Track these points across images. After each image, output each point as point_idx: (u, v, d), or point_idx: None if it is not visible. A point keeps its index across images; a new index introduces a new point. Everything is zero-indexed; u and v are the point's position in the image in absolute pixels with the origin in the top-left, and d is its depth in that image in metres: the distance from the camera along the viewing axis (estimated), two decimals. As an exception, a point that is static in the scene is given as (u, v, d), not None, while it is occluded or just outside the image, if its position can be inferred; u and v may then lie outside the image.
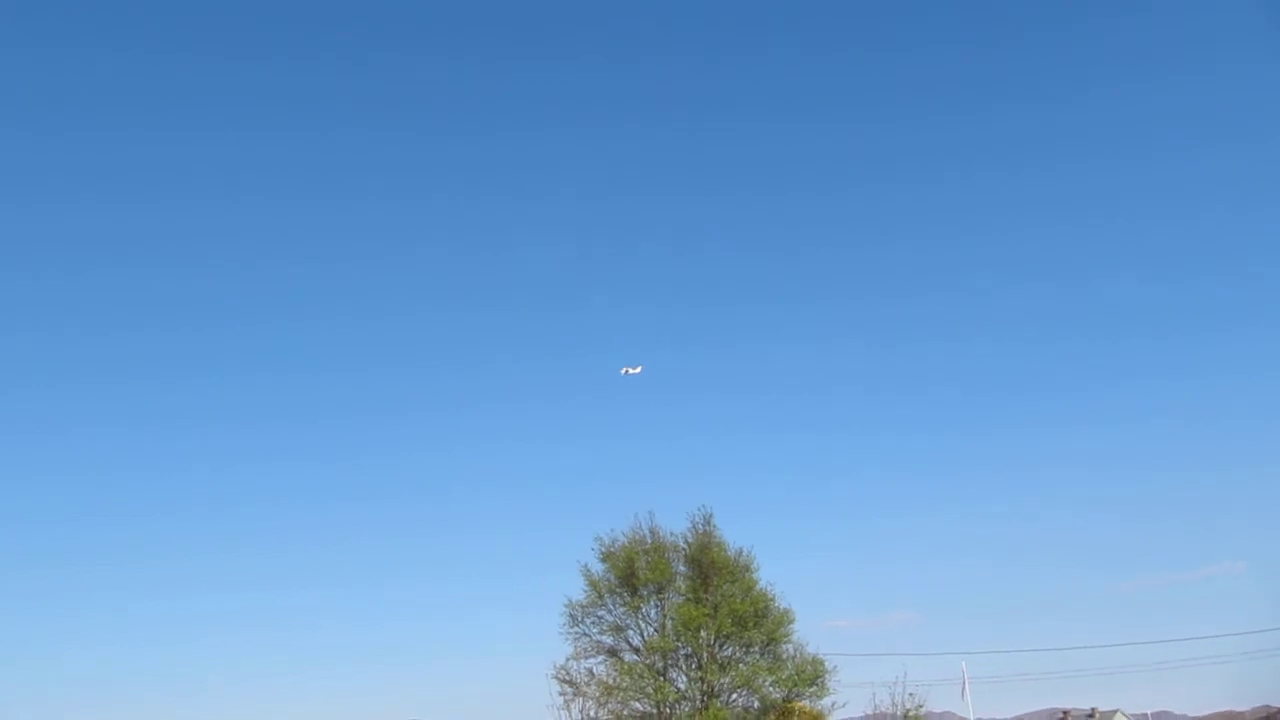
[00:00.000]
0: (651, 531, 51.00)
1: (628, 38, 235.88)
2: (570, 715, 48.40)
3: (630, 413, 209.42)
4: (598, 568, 50.51)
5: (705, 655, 48.88)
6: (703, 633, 48.76)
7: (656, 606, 49.96)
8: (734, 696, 49.44)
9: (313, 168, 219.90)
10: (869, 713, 53.07)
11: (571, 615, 49.57)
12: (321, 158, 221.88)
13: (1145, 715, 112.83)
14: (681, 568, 50.54)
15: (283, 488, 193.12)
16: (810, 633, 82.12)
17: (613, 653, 49.36)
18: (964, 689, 64.43)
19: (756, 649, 49.60)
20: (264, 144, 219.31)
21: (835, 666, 48.92)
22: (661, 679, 48.37)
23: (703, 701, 48.43)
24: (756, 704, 49.81)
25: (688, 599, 49.37)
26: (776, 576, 59.80)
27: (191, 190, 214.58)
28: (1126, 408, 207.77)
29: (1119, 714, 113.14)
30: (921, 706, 54.01)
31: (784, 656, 49.37)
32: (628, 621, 49.81)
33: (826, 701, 49.76)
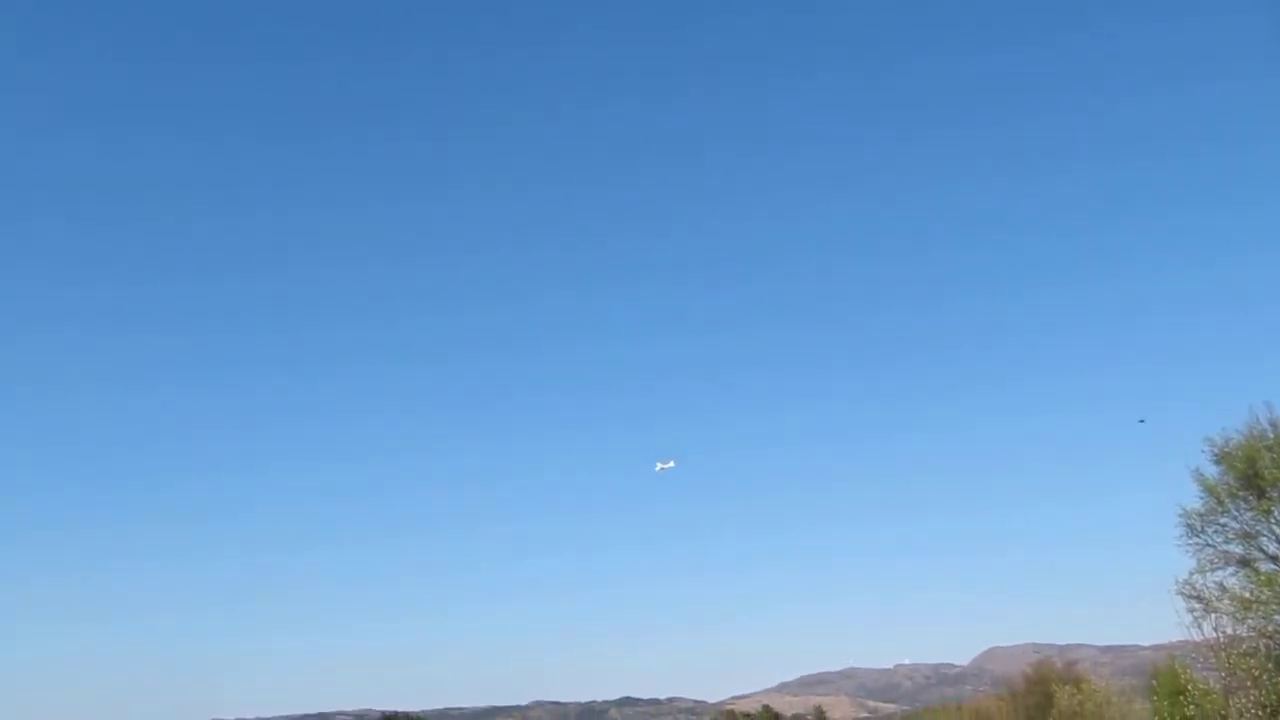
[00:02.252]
0: (1272, 424, 44.20)
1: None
2: (1203, 633, 44.23)
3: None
4: (1211, 471, 44.99)
5: (1367, 559, 41.72)
6: (1359, 533, 41.64)
7: (1293, 508, 43.42)
8: None
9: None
10: None
11: (1189, 526, 44.62)
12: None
13: None
14: (1318, 461, 43.34)
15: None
16: None
17: (1245, 563, 43.83)
18: None
19: None
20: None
21: None
22: (1313, 589, 42.11)
23: (1374, 612, 41.46)
24: None
25: (1332, 496, 42.36)
26: None
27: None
28: None
29: None
30: None
31: None
32: (1258, 527, 43.79)
33: None
